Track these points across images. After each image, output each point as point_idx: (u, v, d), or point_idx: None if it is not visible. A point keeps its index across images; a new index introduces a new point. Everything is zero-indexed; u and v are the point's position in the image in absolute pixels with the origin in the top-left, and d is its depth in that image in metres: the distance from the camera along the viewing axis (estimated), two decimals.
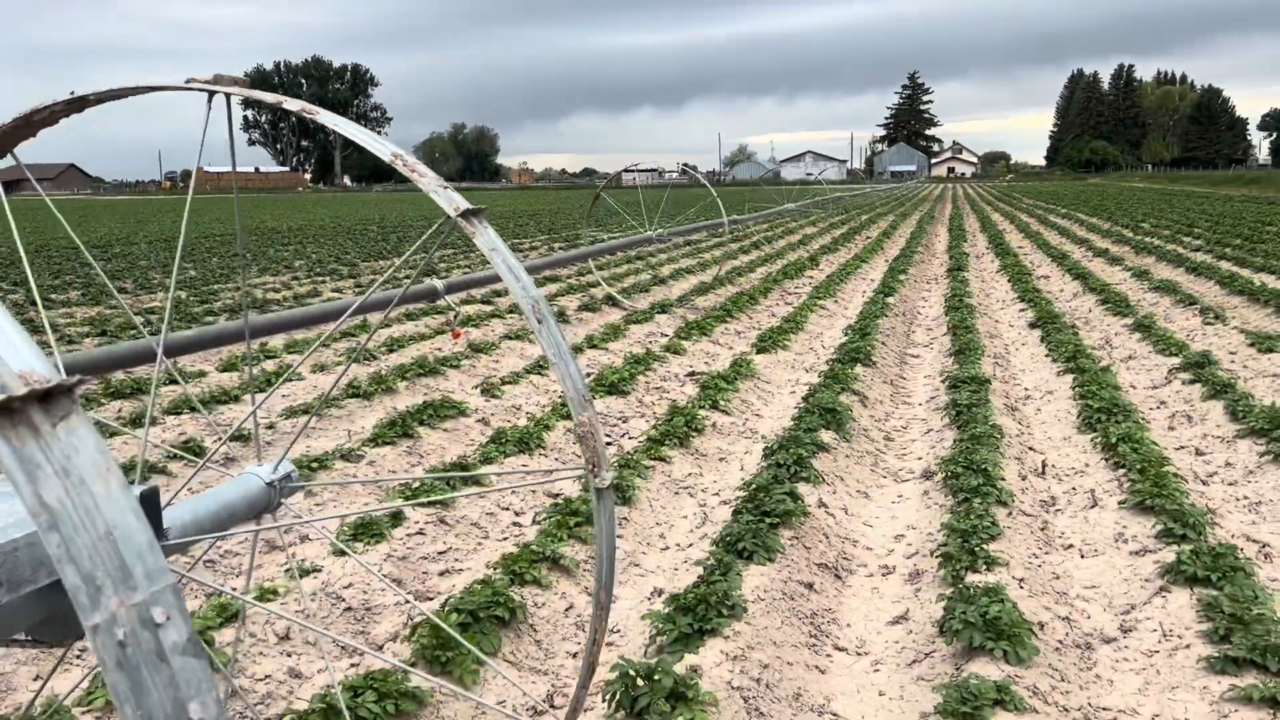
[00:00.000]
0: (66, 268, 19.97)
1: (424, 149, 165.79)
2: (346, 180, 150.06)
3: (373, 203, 73.65)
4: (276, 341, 10.96)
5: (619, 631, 4.28)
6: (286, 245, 26.44)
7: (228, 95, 1.93)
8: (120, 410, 7.76)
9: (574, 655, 4.11)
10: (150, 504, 1.59)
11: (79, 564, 0.81)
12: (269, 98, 1.93)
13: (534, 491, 6.10)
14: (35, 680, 3.79)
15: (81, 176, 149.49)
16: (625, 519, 5.46)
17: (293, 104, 1.93)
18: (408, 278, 16.92)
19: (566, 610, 4.37)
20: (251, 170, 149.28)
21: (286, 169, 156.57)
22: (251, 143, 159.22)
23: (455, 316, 12.25)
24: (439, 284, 15.10)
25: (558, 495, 6.05)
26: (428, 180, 1.89)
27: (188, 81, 1.93)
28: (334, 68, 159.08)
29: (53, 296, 15.67)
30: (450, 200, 1.86)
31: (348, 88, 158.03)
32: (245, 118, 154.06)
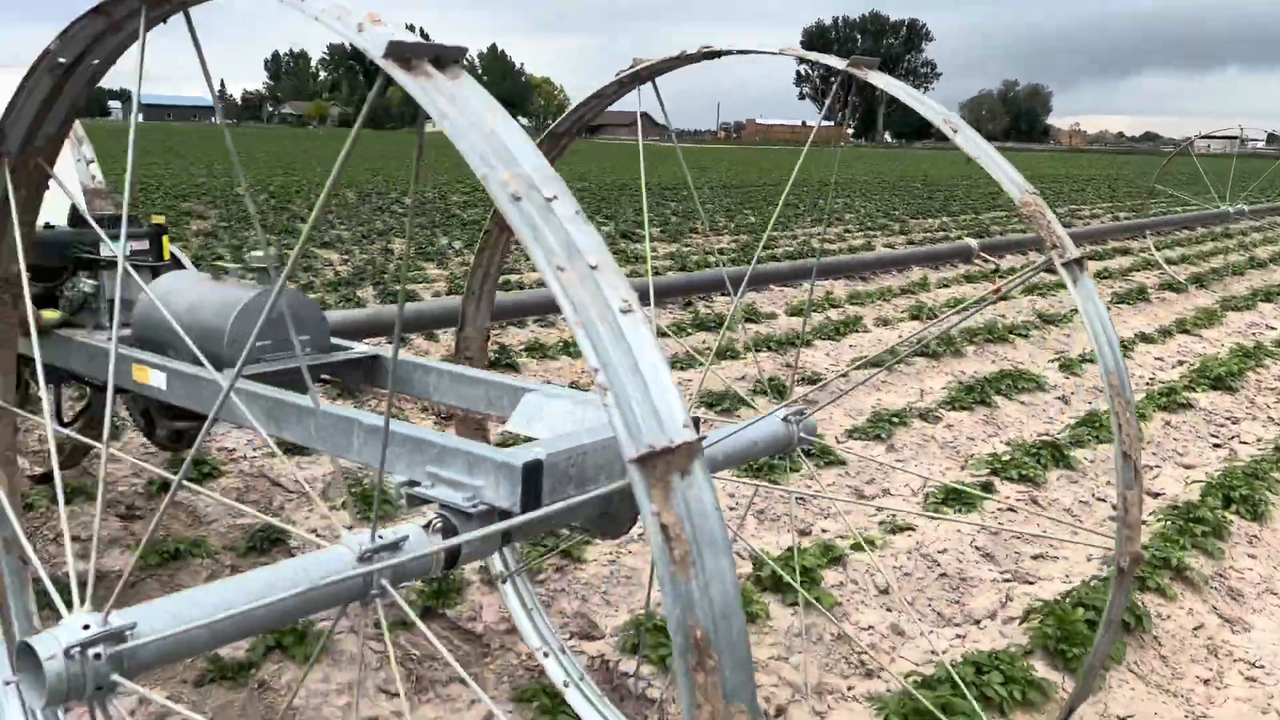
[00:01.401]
0: (651, 204, 22.14)
1: (969, 106, 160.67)
2: (887, 136, 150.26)
3: (910, 159, 73.02)
4: (840, 291, 11.17)
5: (1264, 668, 3.70)
6: (837, 199, 27.02)
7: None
8: (704, 341, 8.35)
9: (1205, 681, 3.61)
10: (532, 472, 1.74)
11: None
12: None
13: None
14: None
15: (652, 125, 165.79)
16: (1256, 538, 4.74)
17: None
18: (948, 237, 16.38)
19: (1195, 629, 3.86)
20: (798, 124, 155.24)
21: (830, 124, 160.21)
22: (801, 97, 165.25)
23: (994, 271, 12.81)
24: (973, 242, 14.54)
25: (1160, 493, 5.43)
26: None
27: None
28: (890, 22, 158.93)
29: (637, 231, 17.42)
30: None
31: (901, 43, 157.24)
32: (797, 73, 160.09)
